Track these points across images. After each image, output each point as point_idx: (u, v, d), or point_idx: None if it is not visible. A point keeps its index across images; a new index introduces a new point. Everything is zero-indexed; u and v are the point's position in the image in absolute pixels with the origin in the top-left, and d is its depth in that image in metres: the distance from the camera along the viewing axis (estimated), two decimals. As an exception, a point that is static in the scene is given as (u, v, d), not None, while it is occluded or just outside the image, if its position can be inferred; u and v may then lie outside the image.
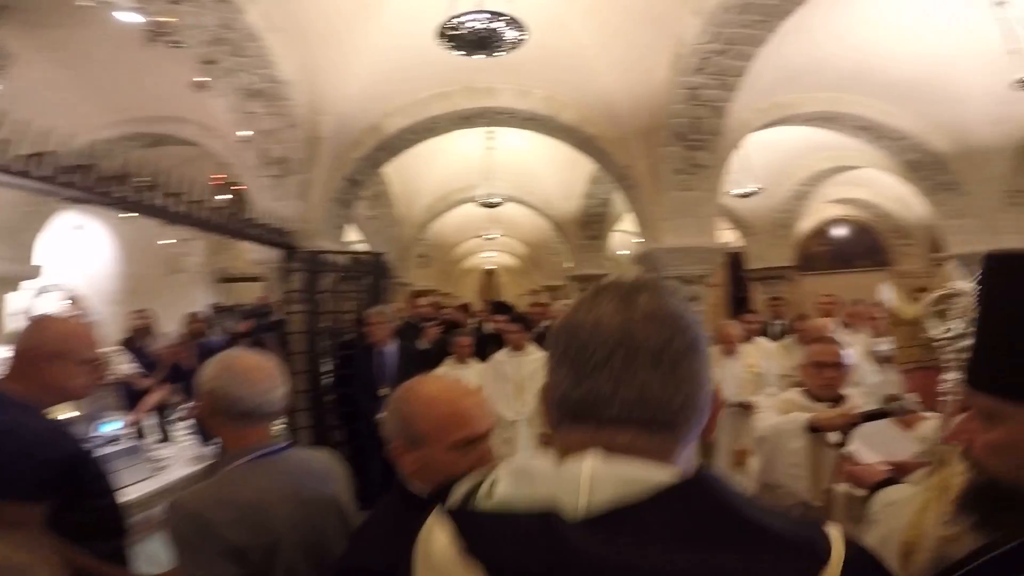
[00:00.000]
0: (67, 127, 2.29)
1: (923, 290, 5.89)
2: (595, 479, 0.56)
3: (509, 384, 4.70)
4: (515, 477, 0.61)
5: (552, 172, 8.77)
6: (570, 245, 9.81)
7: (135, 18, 3.61)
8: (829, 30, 4.68)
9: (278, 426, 6.00)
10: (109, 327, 7.40)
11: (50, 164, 2.27)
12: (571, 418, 0.62)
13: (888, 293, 1.66)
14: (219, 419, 1.34)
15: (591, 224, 9.31)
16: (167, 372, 4.44)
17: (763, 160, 7.55)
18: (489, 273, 19.03)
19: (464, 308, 8.02)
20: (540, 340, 5.14)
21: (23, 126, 2.12)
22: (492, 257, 17.06)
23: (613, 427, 0.59)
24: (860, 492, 1.90)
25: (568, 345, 0.63)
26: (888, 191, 9.55)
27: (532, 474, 0.61)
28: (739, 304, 13.29)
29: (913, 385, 1.58)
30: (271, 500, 1.26)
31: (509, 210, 9.72)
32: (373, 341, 4.35)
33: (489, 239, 10.93)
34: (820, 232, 12.31)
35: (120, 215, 7.54)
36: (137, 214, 2.92)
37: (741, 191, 7.31)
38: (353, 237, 9.05)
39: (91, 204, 2.68)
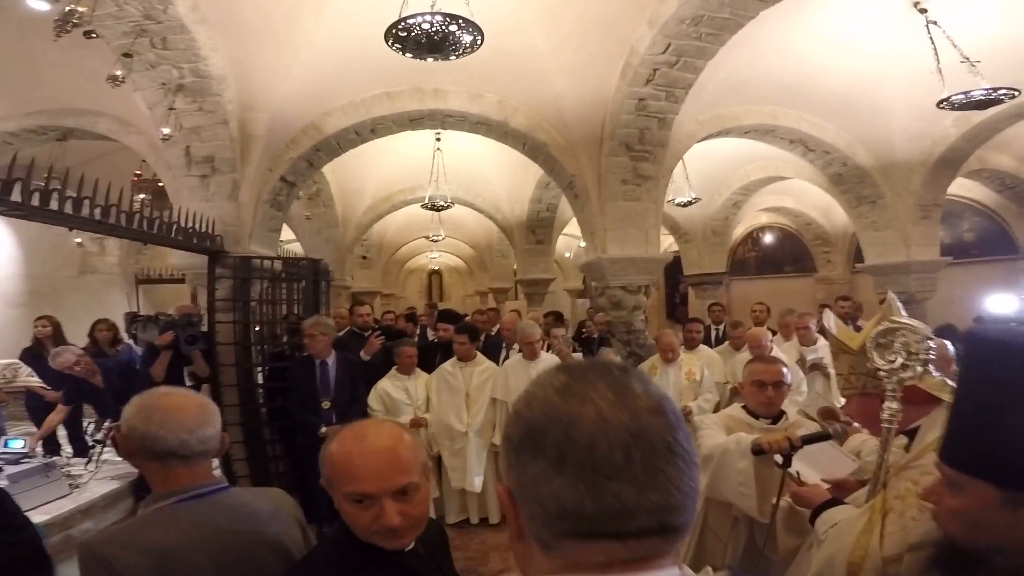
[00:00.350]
0: None
1: (846, 300, 6.29)
2: None
3: (458, 395, 4.62)
4: None
5: (501, 176, 8.71)
6: (517, 249, 9.80)
7: (42, 5, 3.25)
8: (771, 44, 4.78)
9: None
10: (9, 333, 6.68)
11: None
12: (581, 535, 0.52)
13: (831, 320, 1.72)
14: (139, 459, 1.29)
15: (538, 229, 9.35)
16: (71, 388, 4.03)
17: (701, 169, 7.80)
18: (434, 274, 18.79)
19: (410, 316, 7.81)
20: (487, 349, 5.08)
21: None
22: (437, 258, 16.80)
23: (636, 539, 0.52)
24: (800, 509, 1.96)
25: (565, 447, 0.52)
26: (813, 200, 10.16)
27: None
28: (675, 309, 13.77)
29: (854, 411, 1.64)
30: (191, 546, 1.20)
31: (456, 212, 9.59)
32: (312, 353, 4.16)
33: (435, 239, 10.76)
34: (751, 239, 12.95)
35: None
36: (40, 221, 2.59)
37: (681, 200, 7.52)
38: (288, 237, 8.63)
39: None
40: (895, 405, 1.43)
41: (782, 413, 2.42)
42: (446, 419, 4.54)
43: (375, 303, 11.87)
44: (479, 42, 3.29)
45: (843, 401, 4.46)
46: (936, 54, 4.50)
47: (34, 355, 4.95)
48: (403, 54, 3.33)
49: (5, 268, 7.27)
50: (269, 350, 4.69)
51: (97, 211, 2.88)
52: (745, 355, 4.73)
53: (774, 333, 5.38)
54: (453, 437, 4.53)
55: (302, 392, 4.15)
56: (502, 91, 5.17)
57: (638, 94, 4.61)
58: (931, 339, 1.37)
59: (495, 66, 4.67)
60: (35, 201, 2.54)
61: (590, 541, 0.52)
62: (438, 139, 7.22)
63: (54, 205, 2.64)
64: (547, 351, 4.92)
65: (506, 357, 5.08)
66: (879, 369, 1.43)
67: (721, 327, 6.48)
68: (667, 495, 0.52)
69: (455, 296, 18.50)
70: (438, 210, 8.08)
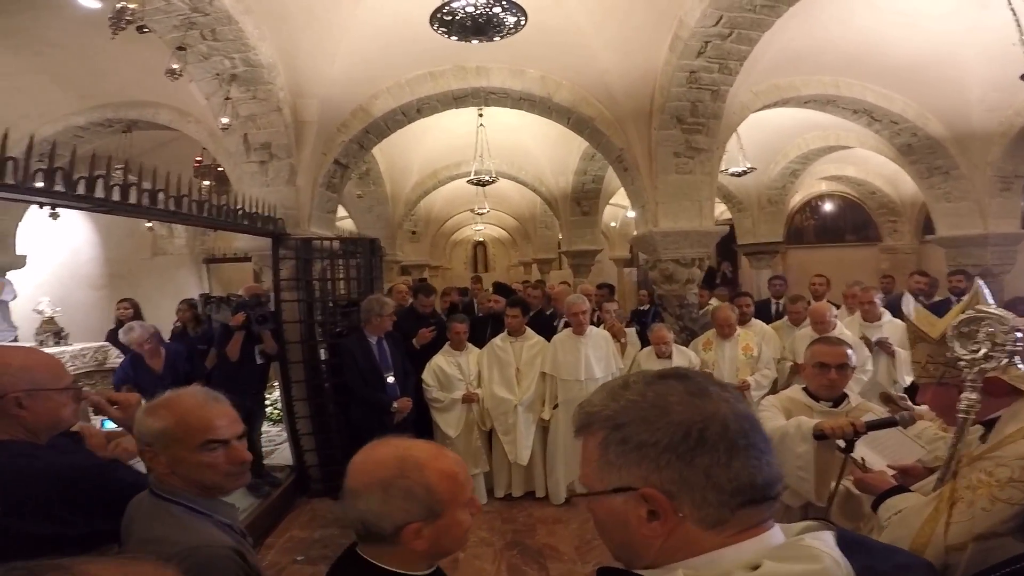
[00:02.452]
0: (34, 114, 2.09)
1: (923, 276, 6.00)
2: (844, 562, 0.62)
3: (509, 369, 4.68)
4: None
5: (545, 149, 8.63)
6: (562, 220, 9.74)
7: (93, 3, 3.39)
8: (831, 14, 4.59)
9: (276, 416, 5.95)
10: (93, 314, 7.26)
11: (18, 170, 2.08)
12: (755, 501, 0.65)
13: (910, 305, 1.65)
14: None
15: (583, 200, 9.25)
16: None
17: (756, 139, 7.52)
18: (479, 245, 18.97)
19: (463, 291, 8.01)
20: (538, 325, 5.09)
21: None
22: (482, 230, 16.93)
23: (776, 498, 0.67)
24: (859, 493, 1.94)
25: (731, 435, 0.65)
26: (878, 169, 9.58)
27: None
28: (712, 279, 13.40)
29: (929, 400, 1.58)
30: None
31: (500, 185, 9.60)
32: (369, 331, 4.30)
33: (480, 212, 10.85)
34: (809, 207, 12.35)
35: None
36: (122, 215, 2.78)
37: (735, 170, 7.26)
38: (341, 215, 8.89)
39: (69, 207, 2.53)
40: (974, 396, 1.37)
41: (844, 396, 2.36)
42: (497, 393, 4.62)
43: (424, 275, 12.15)
44: (523, 23, 3.26)
45: (907, 381, 4.29)
46: (1019, 25, 4.14)
47: (117, 336, 5.39)
48: (448, 37, 3.33)
49: (85, 253, 7.84)
50: (330, 327, 4.90)
51: (171, 202, 3.07)
52: (805, 330, 4.58)
53: (837, 307, 5.18)
54: (505, 411, 4.61)
55: (363, 369, 4.24)
56: (545, 67, 5.11)
57: (689, 67, 4.46)
58: (1020, 330, 1.30)
59: (537, 43, 4.61)
60: (116, 196, 2.74)
61: (758, 504, 0.65)
62: (480, 115, 7.21)
63: (133, 199, 2.83)
64: (599, 325, 4.93)
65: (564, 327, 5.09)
66: (960, 359, 1.38)
67: (781, 301, 6.27)
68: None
69: (499, 267, 18.66)
70: (483, 185, 8.12)
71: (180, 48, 3.81)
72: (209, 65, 4.18)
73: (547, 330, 4.97)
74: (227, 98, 4.29)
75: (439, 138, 8.31)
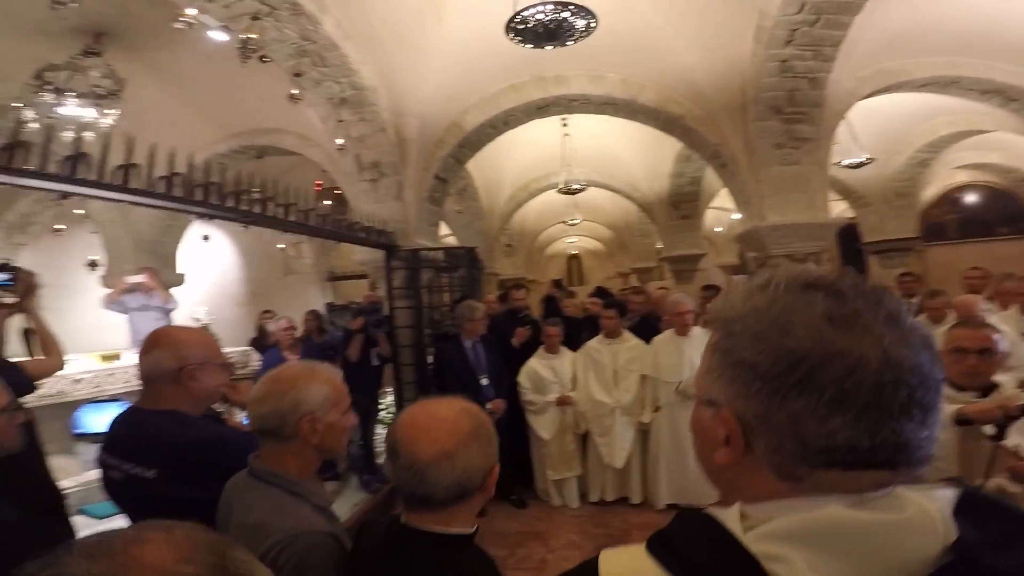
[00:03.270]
0: (183, 144, 2.48)
1: None
2: (943, 516, 0.49)
3: (605, 372, 4.63)
4: (820, 548, 0.48)
5: (635, 154, 8.54)
6: (659, 226, 9.51)
7: (223, 36, 3.83)
8: None
9: (388, 420, 6.30)
10: (237, 327, 8.28)
11: (182, 184, 2.49)
12: (848, 465, 0.51)
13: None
14: None
15: (682, 204, 8.98)
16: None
17: (872, 128, 6.98)
18: (572, 258, 18.94)
19: (556, 283, 8.11)
20: (644, 330, 4.97)
21: (151, 149, 2.30)
22: (575, 242, 16.94)
23: (906, 468, 0.52)
24: (1017, 488, 1.71)
25: (849, 387, 0.50)
26: (1028, 153, 8.33)
27: (849, 538, 0.48)
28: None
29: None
30: None
31: (591, 194, 9.62)
32: (465, 335, 4.47)
33: (572, 223, 10.90)
34: (947, 199, 10.97)
35: (242, 225, 8.35)
36: (261, 226, 3.19)
37: (850, 161, 6.74)
38: (444, 232, 9.40)
39: (219, 219, 2.97)
40: None
41: (993, 385, 2.08)
42: (594, 396, 4.57)
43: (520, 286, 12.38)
44: (593, 25, 3.34)
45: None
46: None
47: (259, 344, 6.11)
48: (523, 45, 3.50)
49: (231, 274, 9.00)
50: (435, 332, 5.19)
51: (300, 216, 3.48)
52: (947, 329, 4.06)
53: (992, 301, 4.56)
54: (601, 414, 4.55)
55: (459, 372, 4.40)
56: (624, 71, 5.14)
57: (778, 56, 4.31)
58: None
59: (612, 47, 4.68)
60: (256, 210, 3.17)
61: (858, 470, 0.51)
62: (564, 124, 7.32)
63: (270, 213, 3.25)
64: (703, 326, 4.74)
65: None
66: None
67: (916, 299, 5.62)
68: (933, 429, 0.52)
69: (594, 280, 18.44)
70: (572, 193, 8.19)
71: (296, 75, 4.29)
72: (322, 90, 4.61)
73: (654, 336, 4.86)
74: (339, 120, 4.76)
75: (528, 151, 8.54)
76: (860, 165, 6.91)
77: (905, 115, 7.13)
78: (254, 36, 3.46)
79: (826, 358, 0.50)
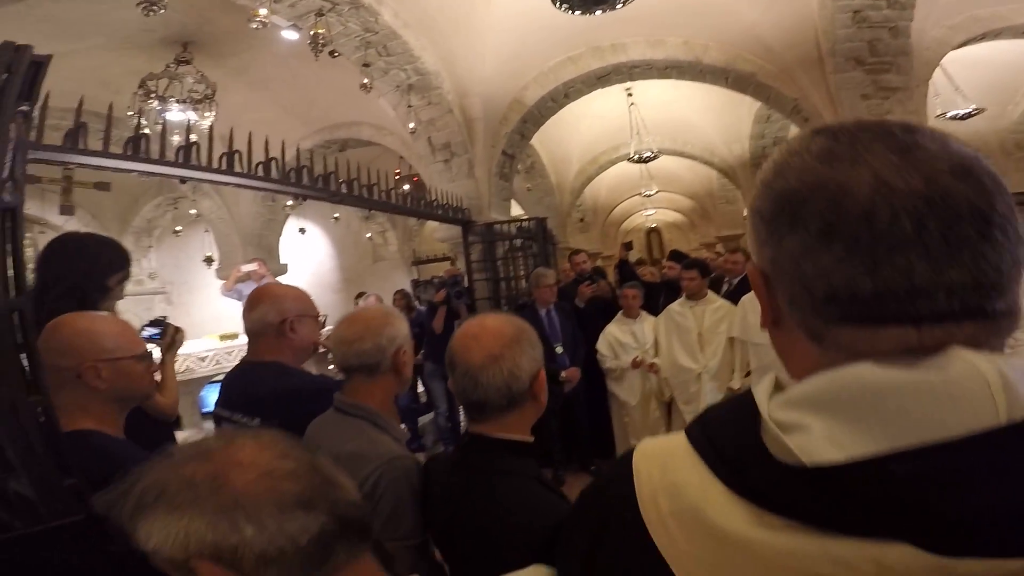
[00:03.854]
0: (274, 141, 2.77)
1: None
2: (1006, 382, 0.38)
3: (689, 335, 4.36)
4: (841, 414, 0.41)
5: (709, 119, 8.24)
6: (744, 190, 9.09)
7: (294, 35, 4.08)
8: None
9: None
10: (332, 313, 8.98)
11: (278, 169, 2.80)
12: (860, 319, 0.44)
13: None
14: None
15: (767, 165, 8.54)
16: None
17: (977, 77, 6.44)
18: (652, 232, 18.37)
19: (627, 245, 7.91)
20: (738, 292, 4.75)
21: (249, 138, 2.59)
22: (652, 215, 16.40)
23: (937, 324, 0.42)
24: None
25: (832, 216, 0.43)
26: None
27: (875, 402, 0.40)
28: None
29: None
30: None
31: (666, 164, 9.33)
32: (538, 302, 4.49)
33: (647, 195, 10.63)
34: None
35: (333, 217, 8.98)
36: (348, 204, 3.48)
37: (956, 112, 6.18)
38: (516, 211, 9.58)
39: (312, 198, 3.27)
40: None
41: None
42: (679, 362, 4.36)
43: (597, 263, 12.32)
44: None
45: None
46: None
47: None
48: (572, 12, 3.48)
49: (326, 264, 9.76)
50: (511, 303, 5.38)
51: (383, 195, 3.76)
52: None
53: None
54: (686, 380, 4.34)
55: None
56: (685, 32, 5.00)
57: (849, 7, 4.15)
58: None
59: (668, 11, 4.61)
60: (344, 190, 3.46)
61: (874, 326, 0.43)
62: (629, 93, 7.18)
63: (356, 193, 3.55)
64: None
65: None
66: None
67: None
68: (977, 272, 0.41)
69: (678, 252, 17.84)
70: (644, 162, 8.02)
71: (365, 65, 4.52)
72: (389, 79, 4.86)
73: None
74: (409, 106, 5.01)
75: (593, 124, 8.45)
76: (968, 116, 6.41)
77: (1011, 63, 6.54)
78: (321, 31, 3.72)
79: (809, 192, 0.45)
